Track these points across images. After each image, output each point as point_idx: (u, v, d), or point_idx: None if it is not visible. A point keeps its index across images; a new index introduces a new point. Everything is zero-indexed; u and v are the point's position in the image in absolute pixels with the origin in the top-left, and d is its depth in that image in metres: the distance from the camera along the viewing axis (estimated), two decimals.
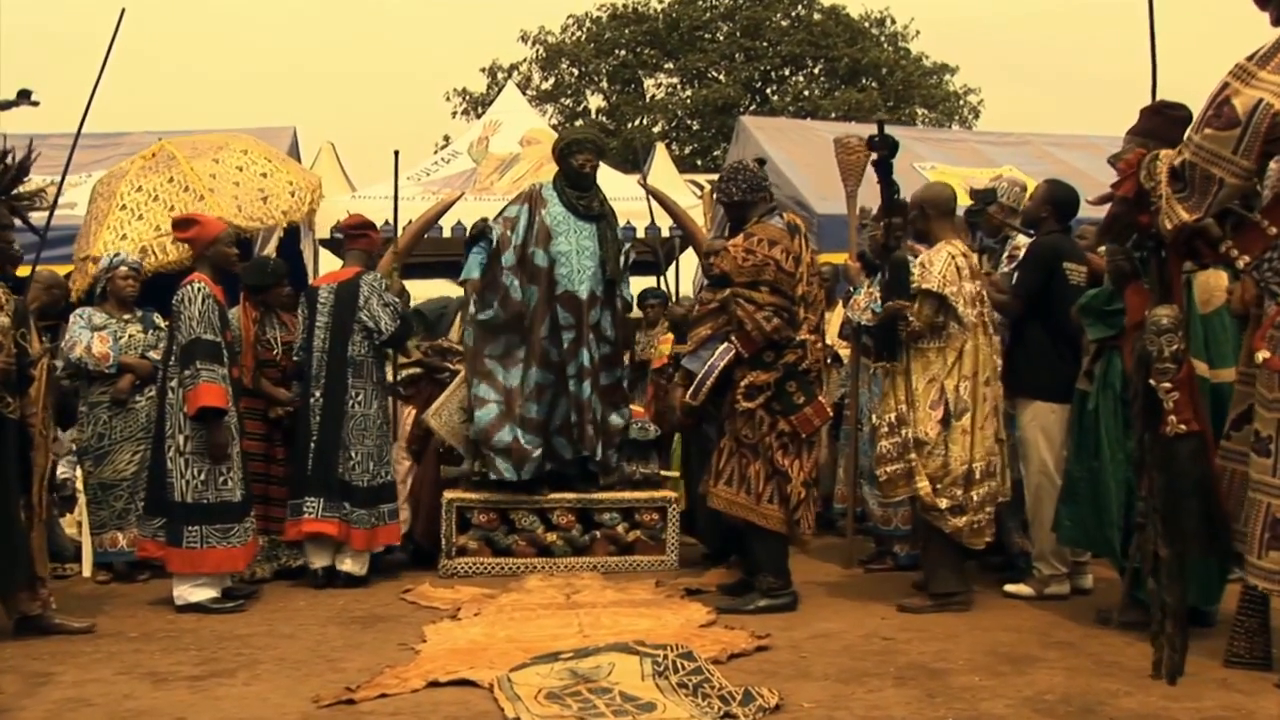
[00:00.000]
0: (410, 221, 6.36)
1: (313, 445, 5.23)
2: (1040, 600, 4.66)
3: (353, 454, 5.20)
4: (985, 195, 5.09)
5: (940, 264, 4.47)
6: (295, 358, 5.46)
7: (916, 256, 4.59)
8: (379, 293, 5.31)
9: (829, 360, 5.97)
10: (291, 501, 5.26)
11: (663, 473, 5.91)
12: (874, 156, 4.71)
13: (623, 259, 5.74)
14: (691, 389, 4.59)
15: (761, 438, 4.50)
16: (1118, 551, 4.16)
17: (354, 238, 5.54)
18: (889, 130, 4.76)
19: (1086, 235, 5.03)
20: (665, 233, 7.98)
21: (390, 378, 5.64)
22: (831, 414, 4.72)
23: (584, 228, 5.61)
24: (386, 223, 6.42)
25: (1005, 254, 4.99)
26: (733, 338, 4.51)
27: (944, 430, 4.44)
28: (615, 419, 5.64)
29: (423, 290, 8.83)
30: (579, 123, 24.06)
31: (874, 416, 4.81)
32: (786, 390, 4.49)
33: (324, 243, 7.94)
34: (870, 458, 4.89)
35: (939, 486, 4.44)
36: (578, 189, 5.65)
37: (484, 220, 5.64)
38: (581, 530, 5.61)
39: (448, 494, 5.57)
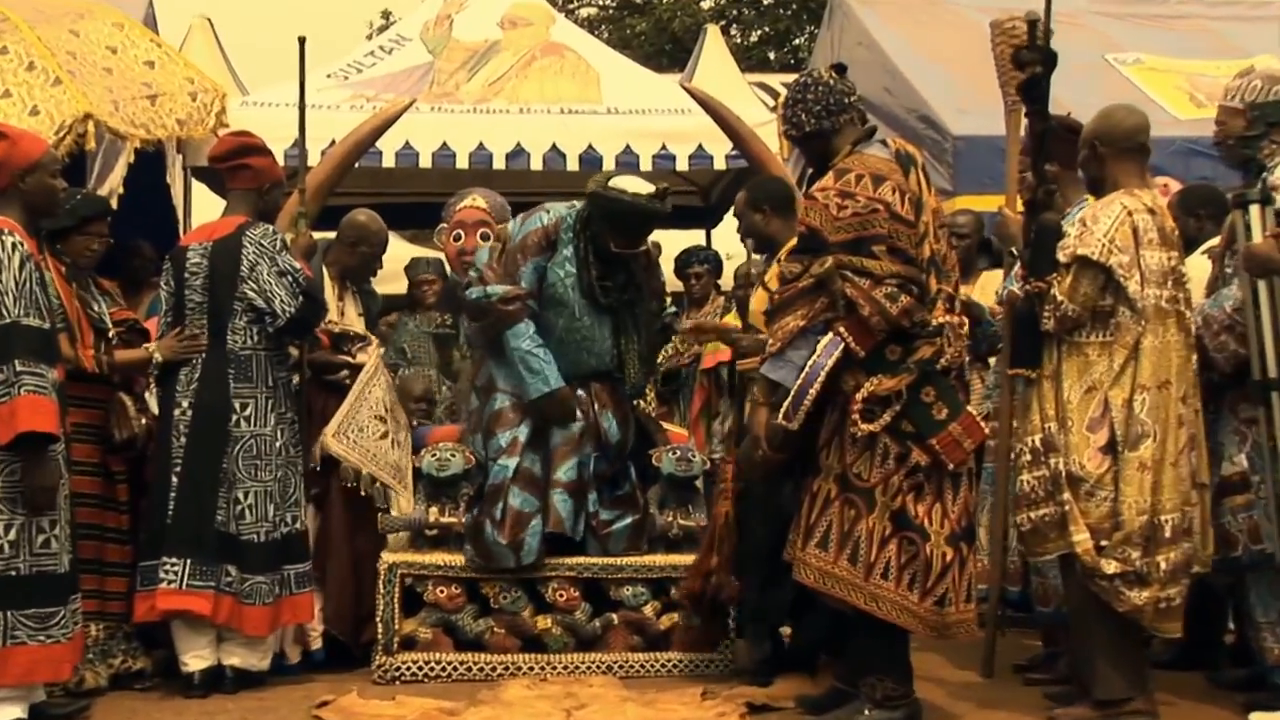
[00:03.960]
0: (333, 143, 6.39)
1: (174, 480, 5.07)
2: None
3: (240, 494, 5.07)
4: (1268, 110, 4.86)
5: (1108, 223, 4.45)
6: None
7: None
8: (271, 254, 5.13)
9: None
10: (143, 564, 5.07)
11: None
12: (1021, 76, 4.80)
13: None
14: (787, 406, 4.39)
15: (885, 478, 4.36)
16: None
17: (233, 171, 5.36)
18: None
19: None
20: (720, 163, 7.94)
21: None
22: (986, 432, 4.59)
23: (598, 316, 5.54)
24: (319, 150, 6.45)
25: None
26: (840, 327, 4.31)
27: (1111, 462, 4.41)
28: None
29: None
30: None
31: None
32: (921, 401, 4.35)
33: (199, 173, 7.83)
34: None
35: (1105, 544, 4.37)
36: (605, 263, 5.48)
37: (504, 293, 5.35)
38: (590, 612, 5.44)
39: (388, 557, 5.38)
